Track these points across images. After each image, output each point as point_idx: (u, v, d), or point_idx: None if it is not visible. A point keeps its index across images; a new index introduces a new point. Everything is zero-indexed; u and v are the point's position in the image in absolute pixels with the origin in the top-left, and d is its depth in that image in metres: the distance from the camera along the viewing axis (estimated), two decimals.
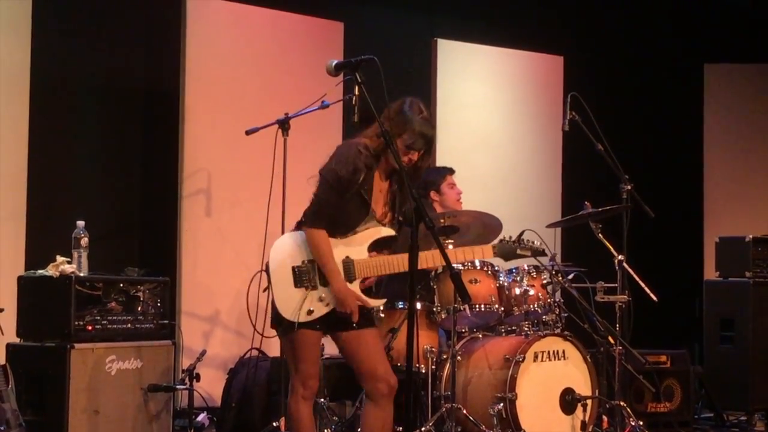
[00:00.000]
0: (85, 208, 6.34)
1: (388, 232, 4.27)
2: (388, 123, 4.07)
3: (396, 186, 4.29)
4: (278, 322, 4.22)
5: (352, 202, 4.17)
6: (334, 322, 4.23)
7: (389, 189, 4.29)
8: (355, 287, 4.20)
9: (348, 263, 4.19)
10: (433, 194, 6.14)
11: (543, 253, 4.70)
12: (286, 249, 4.19)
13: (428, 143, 4.23)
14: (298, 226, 4.29)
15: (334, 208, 4.15)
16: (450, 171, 6.25)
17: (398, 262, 4.19)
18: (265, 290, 4.32)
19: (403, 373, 4.08)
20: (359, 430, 4.42)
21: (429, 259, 4.25)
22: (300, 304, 4.12)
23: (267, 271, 4.22)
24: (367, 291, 4.28)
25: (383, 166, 4.23)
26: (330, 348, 4.78)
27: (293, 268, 4.15)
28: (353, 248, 4.21)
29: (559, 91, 8.12)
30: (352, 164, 4.11)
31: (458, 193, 6.20)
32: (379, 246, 4.28)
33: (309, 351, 4.23)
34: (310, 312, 4.14)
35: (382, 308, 5.42)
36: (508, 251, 4.57)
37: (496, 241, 4.64)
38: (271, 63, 7.17)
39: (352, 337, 4.26)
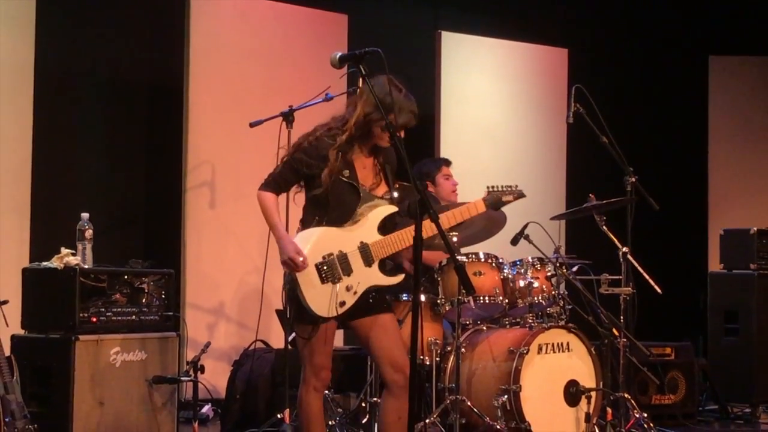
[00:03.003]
0: (90, 200, 6.35)
1: (390, 209, 4.30)
2: (370, 106, 4.14)
3: (383, 159, 4.33)
4: (302, 319, 4.21)
5: (341, 189, 4.21)
6: (350, 310, 4.23)
7: (375, 162, 4.32)
8: (374, 269, 4.23)
9: (364, 247, 4.22)
10: (428, 185, 6.12)
11: (522, 194, 4.68)
12: (304, 249, 4.20)
13: (415, 118, 4.24)
14: (303, 226, 4.31)
15: (286, 182, 4.29)
16: (446, 162, 6.24)
17: (408, 235, 4.23)
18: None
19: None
20: (379, 418, 4.44)
21: (428, 229, 4.19)
22: (330, 299, 4.16)
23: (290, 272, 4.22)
24: (383, 270, 4.29)
25: (365, 145, 4.27)
26: (335, 340, 4.78)
27: (316, 266, 4.18)
28: (364, 234, 4.24)
29: (564, 84, 8.10)
30: (315, 149, 4.20)
31: (454, 185, 6.18)
32: (387, 226, 4.30)
33: (323, 342, 4.24)
34: (342, 304, 4.18)
35: None
36: (495, 200, 4.60)
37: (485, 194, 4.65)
38: (275, 56, 7.17)
39: (369, 323, 4.28)
